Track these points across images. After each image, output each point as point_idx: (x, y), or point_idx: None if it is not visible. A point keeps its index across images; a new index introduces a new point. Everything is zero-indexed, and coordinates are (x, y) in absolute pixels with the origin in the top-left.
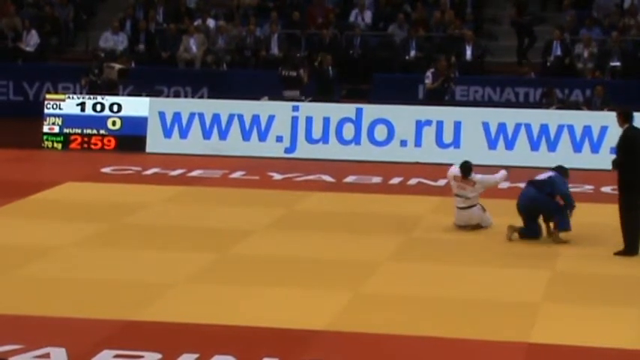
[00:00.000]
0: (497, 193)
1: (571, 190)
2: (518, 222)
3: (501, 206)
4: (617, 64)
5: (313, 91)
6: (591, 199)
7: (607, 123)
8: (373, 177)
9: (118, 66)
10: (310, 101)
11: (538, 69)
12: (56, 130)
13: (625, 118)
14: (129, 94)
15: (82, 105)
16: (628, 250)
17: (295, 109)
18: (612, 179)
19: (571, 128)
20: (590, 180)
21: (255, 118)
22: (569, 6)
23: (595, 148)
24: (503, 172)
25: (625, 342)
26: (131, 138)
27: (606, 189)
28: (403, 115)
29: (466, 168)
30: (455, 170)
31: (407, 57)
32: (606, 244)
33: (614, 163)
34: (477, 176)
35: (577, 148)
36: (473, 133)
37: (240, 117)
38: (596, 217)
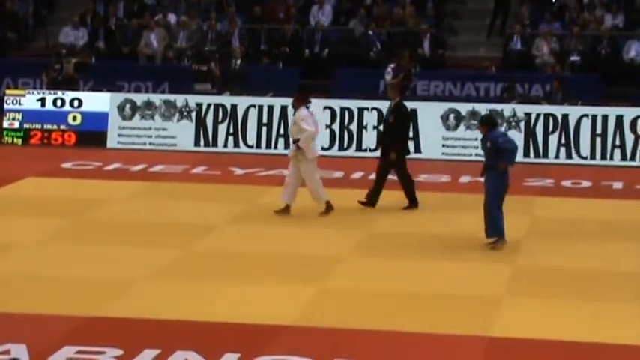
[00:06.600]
0: (459, 187)
1: (531, 184)
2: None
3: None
4: (577, 58)
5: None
6: (551, 193)
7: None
8: (335, 172)
9: (74, 60)
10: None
11: (499, 63)
12: (16, 125)
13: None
14: (89, 90)
15: (43, 100)
16: None
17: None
18: (573, 173)
19: None
20: (550, 174)
21: None
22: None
23: None
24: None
25: (582, 335)
26: (92, 133)
27: (566, 183)
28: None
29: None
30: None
31: (373, 51)
32: (565, 238)
33: None
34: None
35: None
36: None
37: None
38: (555, 212)
